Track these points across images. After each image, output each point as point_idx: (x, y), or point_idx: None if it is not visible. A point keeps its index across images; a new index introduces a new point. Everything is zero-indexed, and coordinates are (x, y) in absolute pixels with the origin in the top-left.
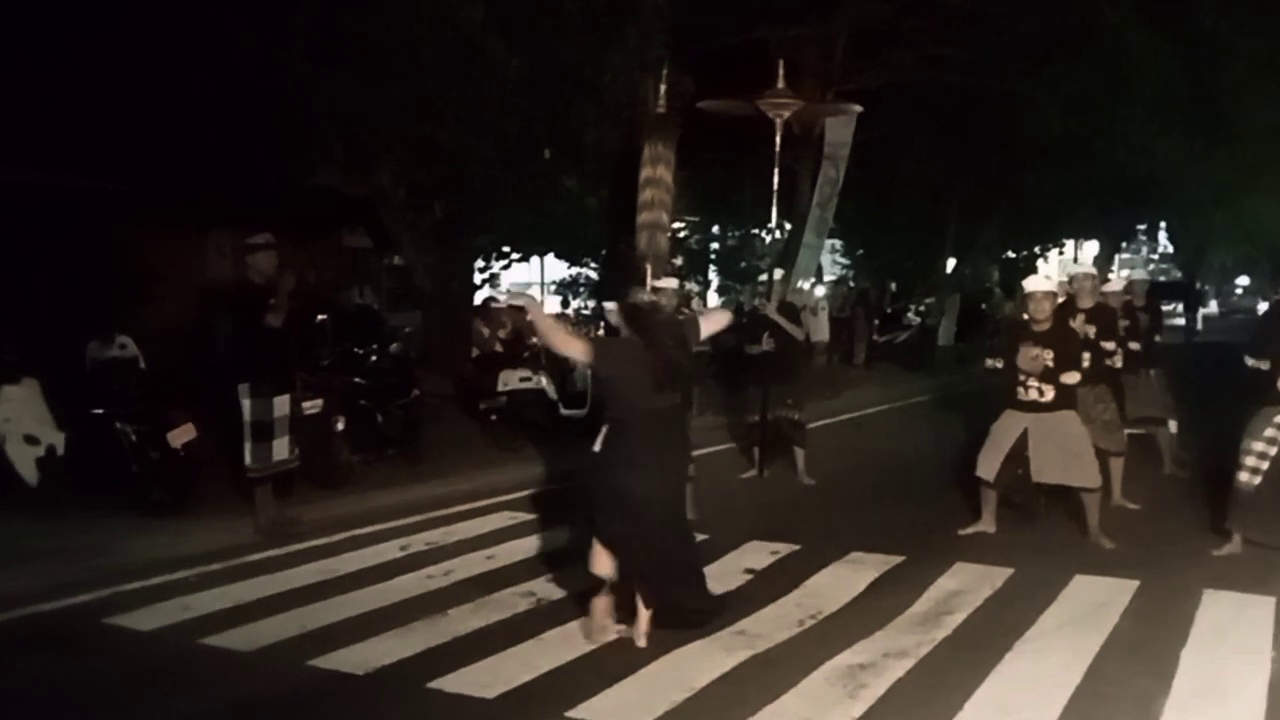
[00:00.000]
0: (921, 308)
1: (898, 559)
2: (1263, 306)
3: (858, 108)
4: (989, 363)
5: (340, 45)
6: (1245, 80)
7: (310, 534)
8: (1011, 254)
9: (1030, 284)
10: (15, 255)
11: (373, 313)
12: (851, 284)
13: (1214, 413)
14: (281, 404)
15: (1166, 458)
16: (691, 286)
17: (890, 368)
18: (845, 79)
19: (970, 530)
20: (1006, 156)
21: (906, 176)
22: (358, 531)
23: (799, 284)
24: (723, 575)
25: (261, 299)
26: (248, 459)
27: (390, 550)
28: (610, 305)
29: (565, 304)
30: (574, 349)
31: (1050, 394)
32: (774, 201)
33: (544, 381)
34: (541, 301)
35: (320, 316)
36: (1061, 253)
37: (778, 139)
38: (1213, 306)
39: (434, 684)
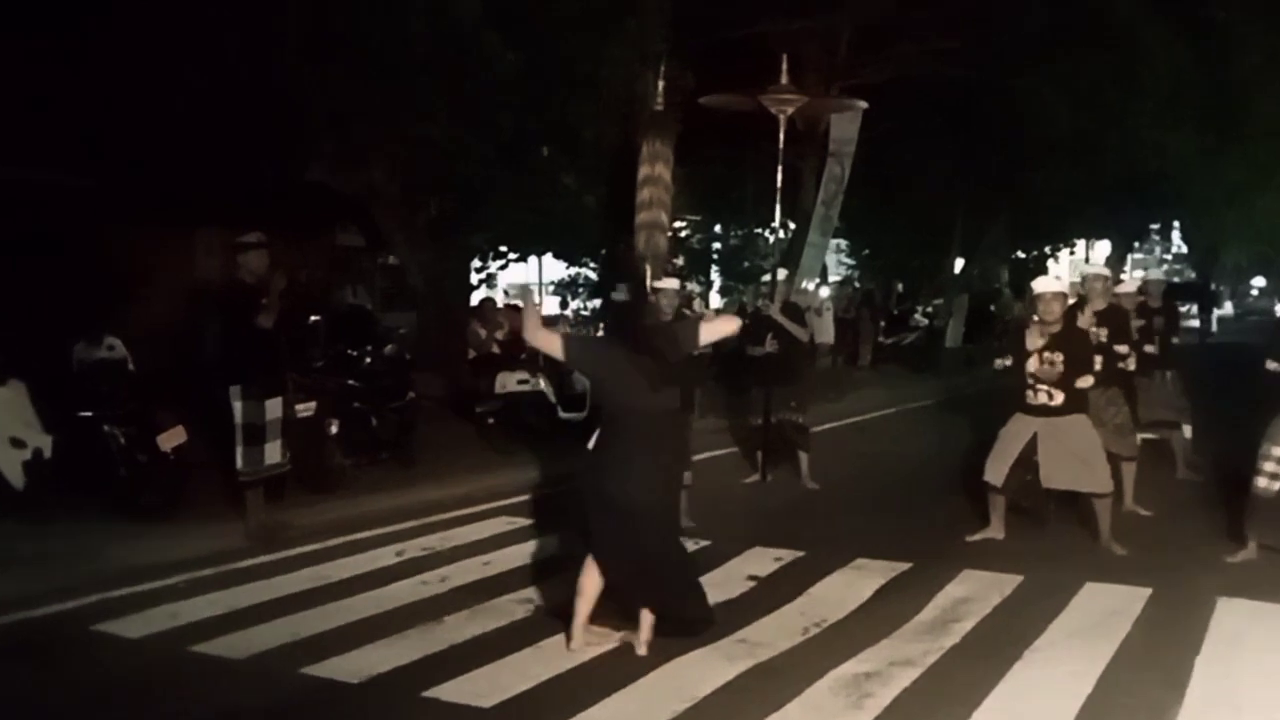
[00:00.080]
0: (929, 309)
1: (904, 565)
2: None
3: (863, 104)
4: (997, 363)
5: (332, 39)
6: (1258, 76)
7: (303, 539)
8: (1021, 254)
9: (1040, 285)
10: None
11: (366, 313)
12: (857, 284)
13: (1228, 416)
14: (273, 406)
15: (1180, 462)
16: (693, 287)
17: (896, 370)
18: (850, 74)
19: (978, 536)
20: (1014, 153)
21: (913, 174)
22: (351, 537)
23: (803, 284)
24: (725, 582)
25: (252, 299)
26: (239, 462)
27: (384, 556)
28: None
29: (564, 304)
30: (549, 344)
31: (1060, 398)
32: (777, 200)
33: (542, 383)
34: (540, 302)
35: (313, 317)
36: (1072, 253)
37: (781, 135)
38: (1228, 307)
39: (429, 693)
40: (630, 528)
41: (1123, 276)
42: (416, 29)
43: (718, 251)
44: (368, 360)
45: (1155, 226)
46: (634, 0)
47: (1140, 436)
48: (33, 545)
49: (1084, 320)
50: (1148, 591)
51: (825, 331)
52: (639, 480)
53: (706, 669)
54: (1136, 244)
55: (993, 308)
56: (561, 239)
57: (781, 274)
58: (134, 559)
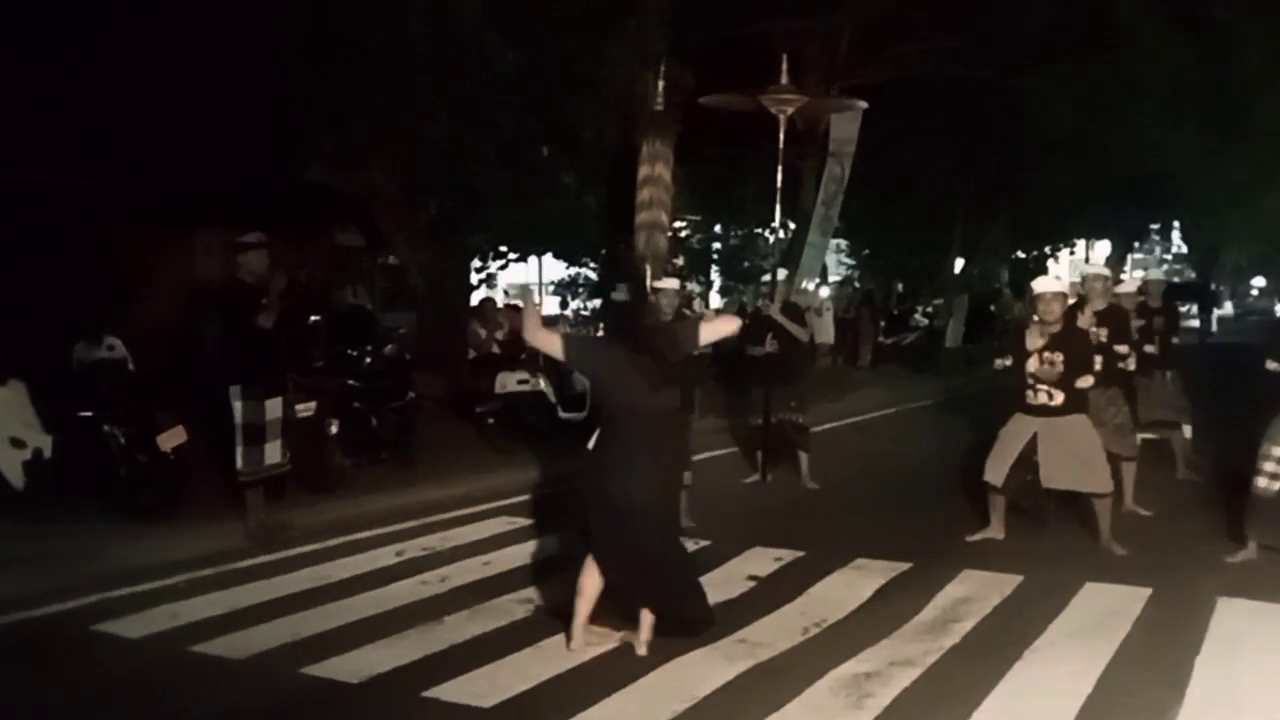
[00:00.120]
0: (929, 309)
1: (904, 565)
2: None
3: (863, 104)
4: (997, 362)
5: (332, 39)
6: (1260, 76)
7: (302, 539)
8: (1021, 254)
9: (1039, 285)
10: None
11: (366, 313)
12: (857, 284)
13: (1228, 416)
14: (273, 406)
15: (1180, 462)
16: (693, 287)
17: (896, 370)
18: (850, 74)
19: (978, 536)
20: (1014, 153)
21: (913, 174)
22: (351, 537)
23: (803, 284)
24: (725, 582)
25: (252, 299)
26: (239, 462)
27: (384, 556)
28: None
29: (564, 304)
30: (549, 344)
31: (1060, 398)
32: (777, 200)
33: (542, 384)
34: (540, 302)
35: (313, 317)
36: (1072, 253)
37: (781, 135)
38: (1228, 307)
39: (429, 693)
40: (630, 528)
41: (1123, 276)
42: (416, 29)
43: (718, 251)
44: (368, 360)
45: (1155, 226)
46: (634, 0)
47: (1140, 436)
48: (33, 545)
49: (1084, 320)
50: (1148, 591)
51: (825, 331)
52: (639, 480)
53: (706, 669)
54: (1136, 244)
55: (993, 308)
56: (561, 239)
57: (781, 274)
58: (134, 559)
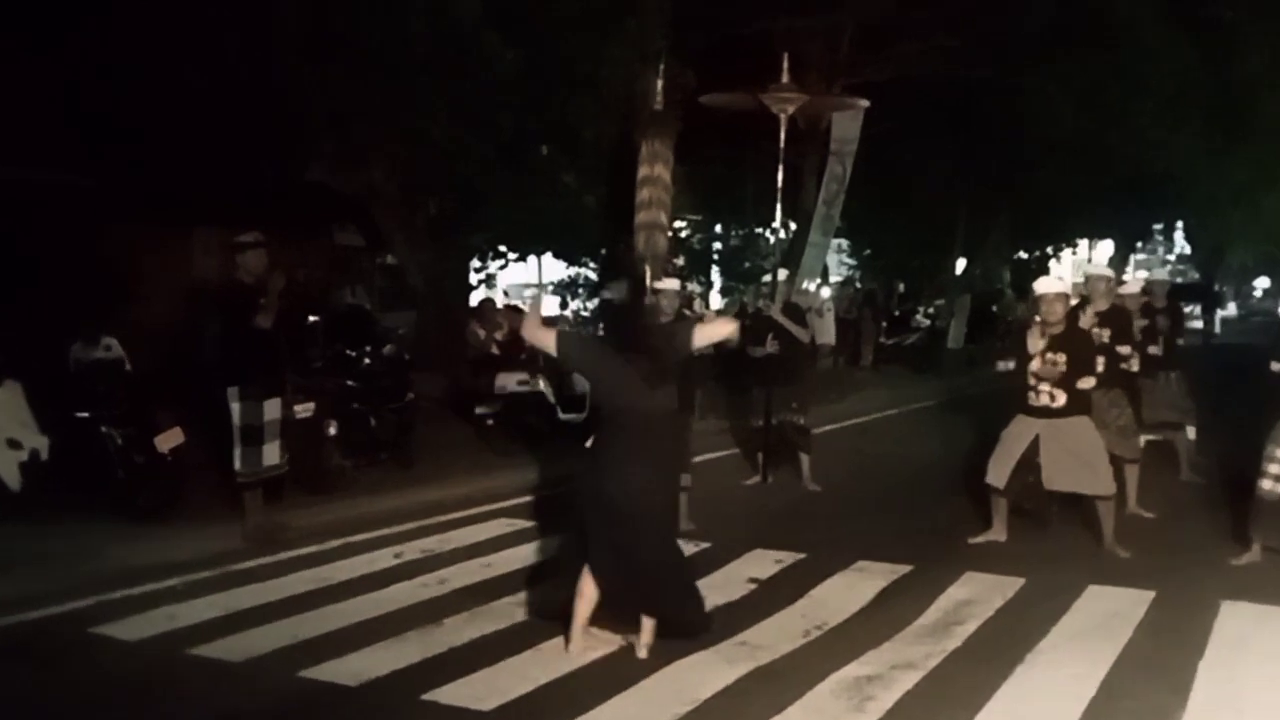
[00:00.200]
0: (930, 309)
1: (906, 568)
2: None
3: (865, 102)
4: (1000, 365)
5: (332, 38)
6: (1263, 75)
7: (301, 541)
8: (1023, 254)
9: (1042, 285)
10: None
11: (365, 313)
12: (858, 285)
13: (1232, 417)
14: (272, 407)
15: (1184, 464)
16: (694, 287)
17: (898, 371)
18: (851, 72)
19: (981, 539)
20: (1016, 152)
21: (914, 174)
22: (350, 539)
23: (804, 284)
24: (725, 584)
25: (251, 299)
26: (237, 464)
27: (384, 558)
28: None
29: (564, 305)
30: (545, 340)
31: (1063, 399)
32: (778, 199)
33: (542, 384)
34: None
35: (311, 317)
36: (1075, 253)
37: (782, 134)
38: (1231, 309)
39: (428, 696)
40: (628, 529)
41: (1125, 277)
42: (416, 28)
43: (718, 252)
44: (367, 361)
45: (1158, 226)
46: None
47: (1144, 438)
48: (30, 547)
49: (1086, 321)
50: (1151, 594)
51: (826, 332)
52: (635, 481)
53: (707, 672)
54: (1139, 244)
55: (995, 308)
56: (561, 239)
57: (782, 274)
58: (132, 561)
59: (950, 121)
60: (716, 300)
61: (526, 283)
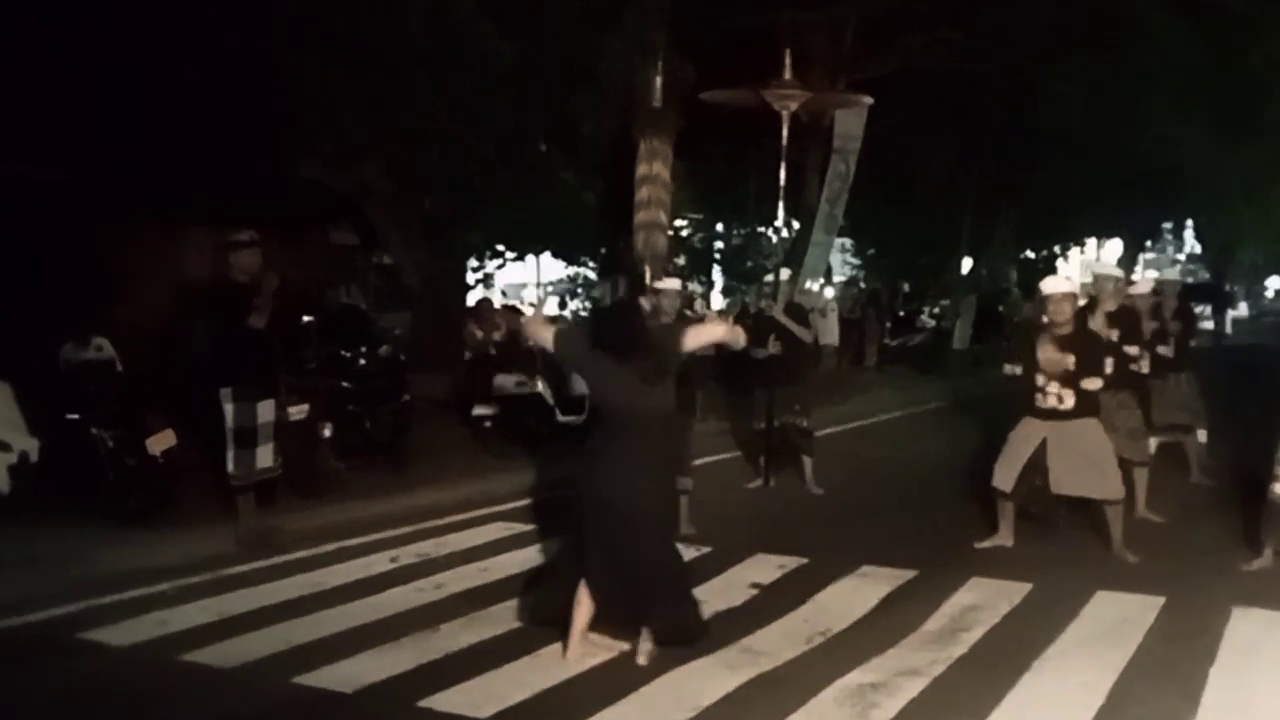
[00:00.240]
0: (936, 309)
1: (910, 573)
2: None
3: (868, 99)
4: (1007, 368)
5: (327, 33)
6: (1276, 69)
7: (295, 545)
8: (1030, 253)
9: (1049, 285)
10: None
11: (360, 313)
12: (862, 284)
13: (1244, 419)
14: (265, 409)
15: (1194, 467)
16: (694, 287)
17: (903, 372)
18: (855, 68)
19: (987, 543)
20: (1022, 149)
21: (919, 171)
22: (345, 543)
23: (807, 284)
24: (727, 590)
25: (244, 299)
26: (230, 466)
27: (379, 562)
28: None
29: (563, 304)
30: (544, 335)
31: (1071, 401)
32: (780, 197)
33: (540, 386)
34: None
35: (306, 317)
36: (1083, 252)
37: (784, 131)
38: (1242, 309)
39: (424, 703)
40: (625, 531)
41: (1134, 277)
42: (413, 22)
43: (720, 251)
44: (362, 362)
45: (1168, 225)
46: None
47: (1153, 441)
48: (19, 550)
49: (1095, 322)
50: (1161, 600)
51: (830, 333)
52: (631, 483)
53: (708, 679)
54: (1149, 243)
55: (1001, 308)
56: (560, 238)
57: (785, 274)
58: (122, 564)
59: (955, 117)
60: (718, 300)
61: (524, 282)
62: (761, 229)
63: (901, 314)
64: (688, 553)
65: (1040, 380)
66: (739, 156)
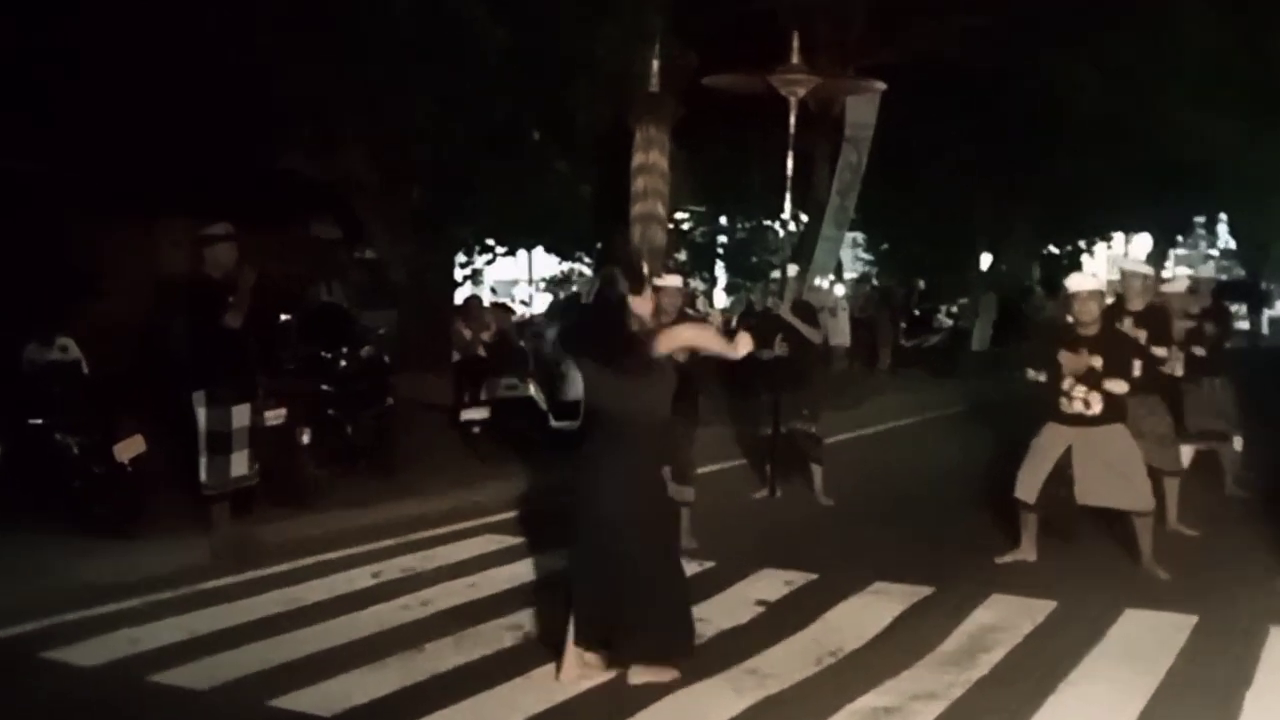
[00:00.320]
0: (953, 308)
1: (927, 590)
2: None
3: (881, 85)
4: (1030, 374)
5: (310, 14)
6: None
7: (272, 558)
8: (1053, 249)
9: (1074, 282)
10: None
11: (342, 312)
12: (875, 281)
13: None
14: (241, 413)
15: (1229, 476)
16: (696, 284)
17: (918, 375)
18: (866, 53)
19: (1008, 558)
20: (1043, 138)
21: (935, 162)
22: (325, 556)
23: (816, 281)
24: (732, 607)
25: (219, 296)
26: (203, 474)
27: (361, 577)
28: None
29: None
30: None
31: (1098, 406)
32: (788, 189)
33: (532, 389)
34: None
35: (284, 316)
36: (1110, 247)
37: (792, 119)
38: (1279, 307)
39: None
40: (620, 542)
41: (1165, 274)
42: (401, 5)
43: (723, 246)
44: (343, 363)
45: (1200, 219)
46: None
47: (1187, 448)
48: None
49: (1123, 322)
50: (1193, 619)
51: (840, 333)
52: (622, 493)
53: (712, 701)
54: (1180, 238)
55: (1023, 307)
56: (553, 231)
57: (792, 270)
58: (90, 578)
59: (972, 105)
60: (721, 298)
61: (515, 279)
62: (767, 222)
63: (916, 313)
64: (689, 567)
65: (1065, 384)
66: (744, 146)
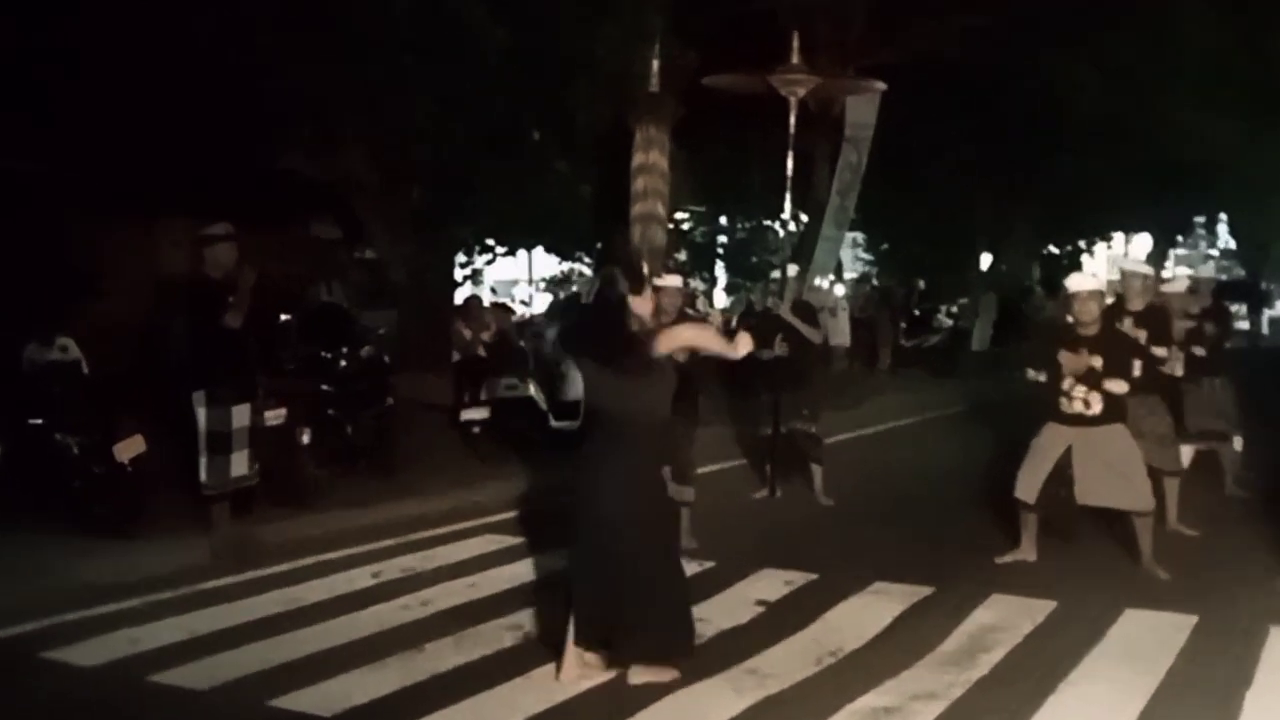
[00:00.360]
0: (953, 308)
1: (926, 590)
2: None
3: (881, 85)
4: (1030, 374)
5: (310, 14)
6: None
7: (272, 558)
8: (1053, 249)
9: (1074, 282)
10: None
11: (342, 312)
12: (875, 281)
13: None
14: (241, 414)
15: (1229, 477)
16: (696, 284)
17: (918, 375)
18: (866, 53)
19: (1008, 558)
20: (1043, 138)
21: (935, 162)
22: (325, 556)
23: (816, 281)
24: (731, 607)
25: (219, 296)
26: (203, 475)
27: (361, 577)
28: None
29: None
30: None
31: (1098, 406)
32: (788, 189)
33: (532, 389)
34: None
35: (284, 316)
36: (1110, 247)
37: (792, 119)
38: (1279, 308)
39: None
40: (619, 542)
41: (1165, 274)
42: (400, 4)
43: (723, 246)
44: (343, 363)
45: (1200, 219)
46: None
47: (1187, 449)
48: None
49: (1122, 322)
50: (1193, 619)
51: (840, 333)
52: (621, 492)
53: (712, 702)
54: (1180, 237)
55: (1023, 307)
56: (553, 231)
57: (792, 270)
58: (89, 579)
59: (972, 105)
60: (721, 298)
61: (515, 279)
62: (767, 222)
63: (916, 313)
64: (689, 567)
65: (1065, 384)
66: (744, 146)
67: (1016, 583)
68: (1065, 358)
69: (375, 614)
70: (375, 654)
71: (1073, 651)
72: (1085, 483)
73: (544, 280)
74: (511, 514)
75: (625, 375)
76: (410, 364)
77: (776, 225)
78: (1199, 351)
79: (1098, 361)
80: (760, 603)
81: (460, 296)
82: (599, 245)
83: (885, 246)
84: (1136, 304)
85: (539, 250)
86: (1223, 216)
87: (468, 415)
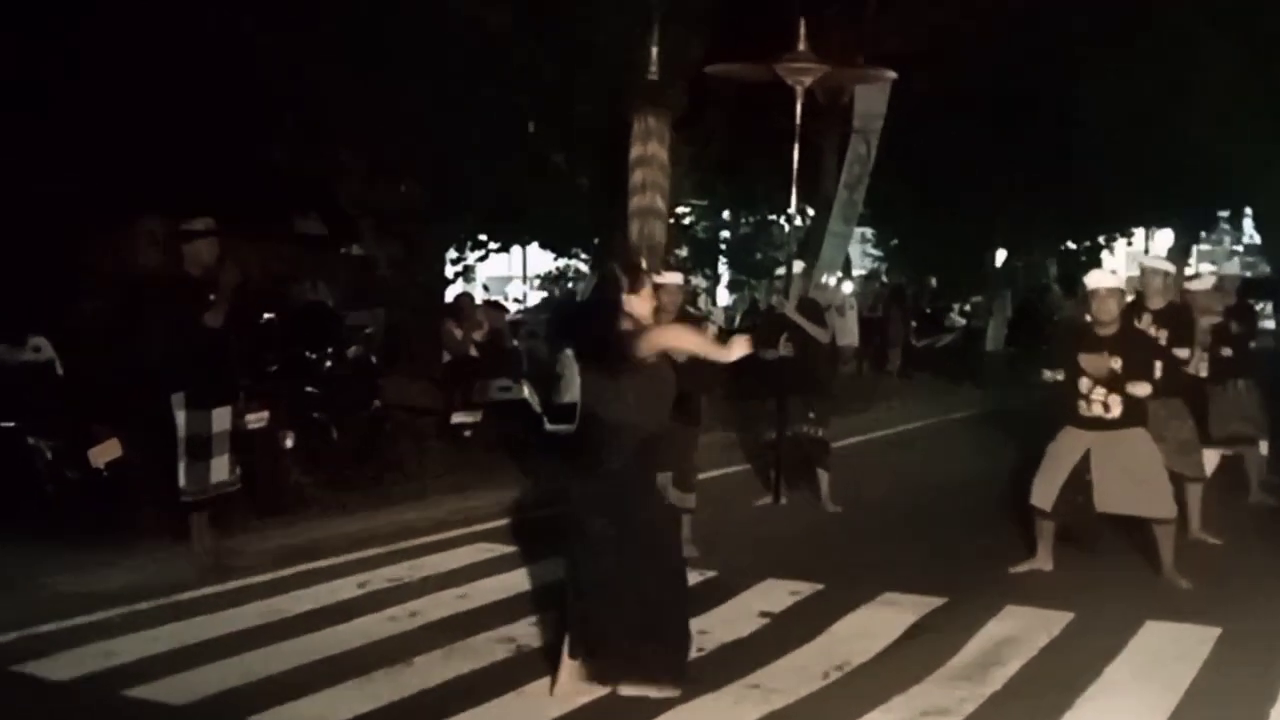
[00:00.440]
0: (966, 307)
1: (938, 601)
2: None
3: (892, 74)
4: (1047, 374)
5: (299, 4)
6: None
7: (254, 568)
8: (1071, 244)
9: (1093, 280)
10: None
11: (327, 311)
12: (884, 279)
13: None
14: (221, 417)
15: (1254, 483)
16: (698, 282)
17: (930, 377)
18: (876, 41)
19: (1023, 568)
20: (1061, 133)
21: (947, 154)
22: (309, 565)
23: (823, 279)
24: (734, 619)
25: (199, 295)
26: (182, 480)
27: (346, 588)
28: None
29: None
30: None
31: (1117, 408)
32: (794, 182)
33: (526, 391)
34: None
35: (267, 315)
36: (1130, 243)
37: (798, 109)
38: None
39: None
40: (617, 552)
41: (1189, 270)
42: None
43: (726, 241)
44: (329, 364)
45: (1224, 214)
46: None
47: (1211, 454)
48: None
49: (1142, 321)
50: (1216, 631)
51: (848, 333)
52: (620, 500)
53: (713, 717)
54: (1203, 233)
55: (1039, 306)
56: (549, 227)
57: (798, 267)
58: (63, 589)
59: (987, 96)
60: (724, 296)
61: (509, 276)
62: (772, 217)
63: (928, 312)
64: (690, 577)
65: (1084, 386)
66: (748, 137)
67: (1032, 593)
68: (1086, 360)
69: (361, 626)
70: (361, 668)
71: (1091, 665)
72: (1104, 489)
73: (538, 277)
74: (504, 521)
75: (617, 377)
76: (399, 365)
77: (782, 220)
78: (1226, 352)
79: (1117, 363)
80: (764, 614)
81: (451, 294)
82: (596, 241)
83: (895, 242)
84: (1156, 302)
85: (533, 246)
86: (1248, 211)
87: (459, 418)
